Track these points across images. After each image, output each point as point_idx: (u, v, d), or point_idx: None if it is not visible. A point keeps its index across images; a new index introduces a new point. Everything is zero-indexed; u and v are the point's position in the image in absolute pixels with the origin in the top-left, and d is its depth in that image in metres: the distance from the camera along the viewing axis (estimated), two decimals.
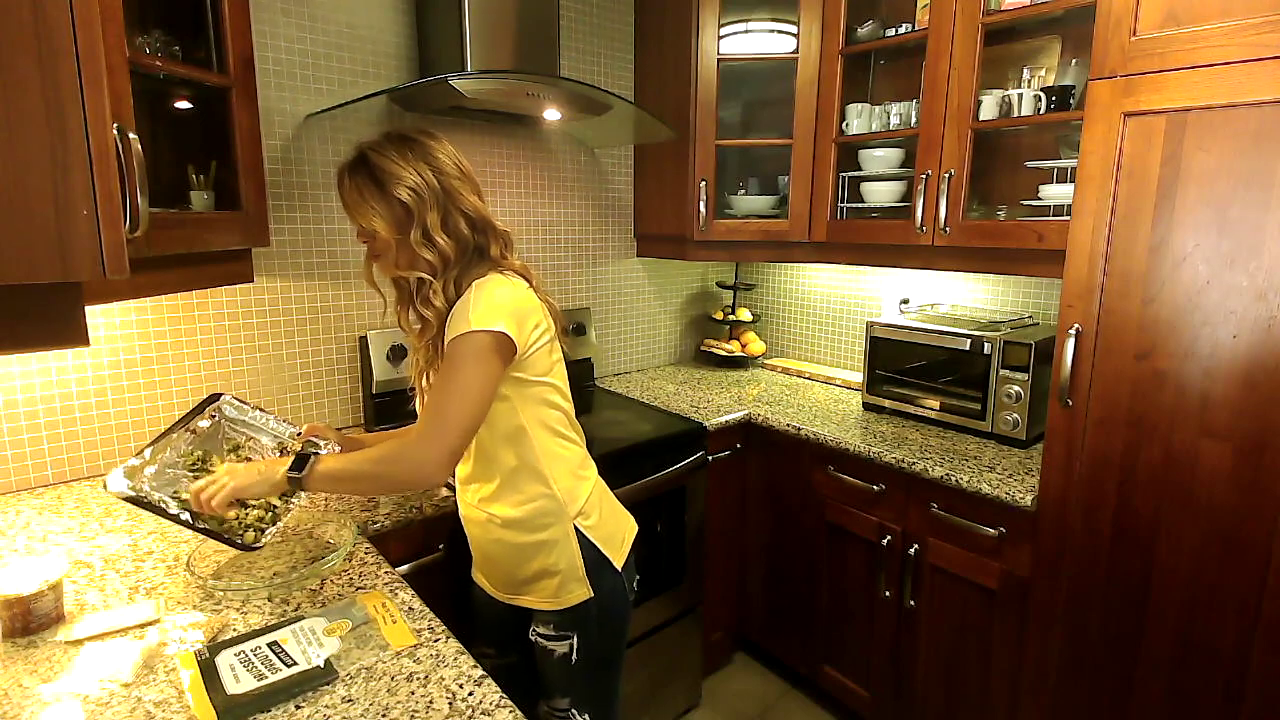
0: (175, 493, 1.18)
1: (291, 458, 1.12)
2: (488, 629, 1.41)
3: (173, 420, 1.33)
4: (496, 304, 1.11)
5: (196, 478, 1.20)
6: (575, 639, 1.26)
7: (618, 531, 1.32)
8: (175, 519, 1.14)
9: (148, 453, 1.20)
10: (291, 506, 1.22)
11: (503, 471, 1.22)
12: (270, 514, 1.19)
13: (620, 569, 1.29)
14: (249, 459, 1.28)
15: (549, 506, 1.22)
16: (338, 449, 1.30)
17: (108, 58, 0.82)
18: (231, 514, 1.16)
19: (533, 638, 1.29)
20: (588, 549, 1.25)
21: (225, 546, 1.16)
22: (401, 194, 1.12)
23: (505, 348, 1.11)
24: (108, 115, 0.79)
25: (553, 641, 1.27)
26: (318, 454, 1.13)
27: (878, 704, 1.99)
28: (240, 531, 1.16)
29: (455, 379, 1.09)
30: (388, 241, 1.16)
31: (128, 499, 1.13)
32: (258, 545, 1.14)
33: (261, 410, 1.34)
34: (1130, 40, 1.34)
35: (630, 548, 1.34)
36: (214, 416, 1.30)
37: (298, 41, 1.75)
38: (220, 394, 1.33)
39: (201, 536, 1.15)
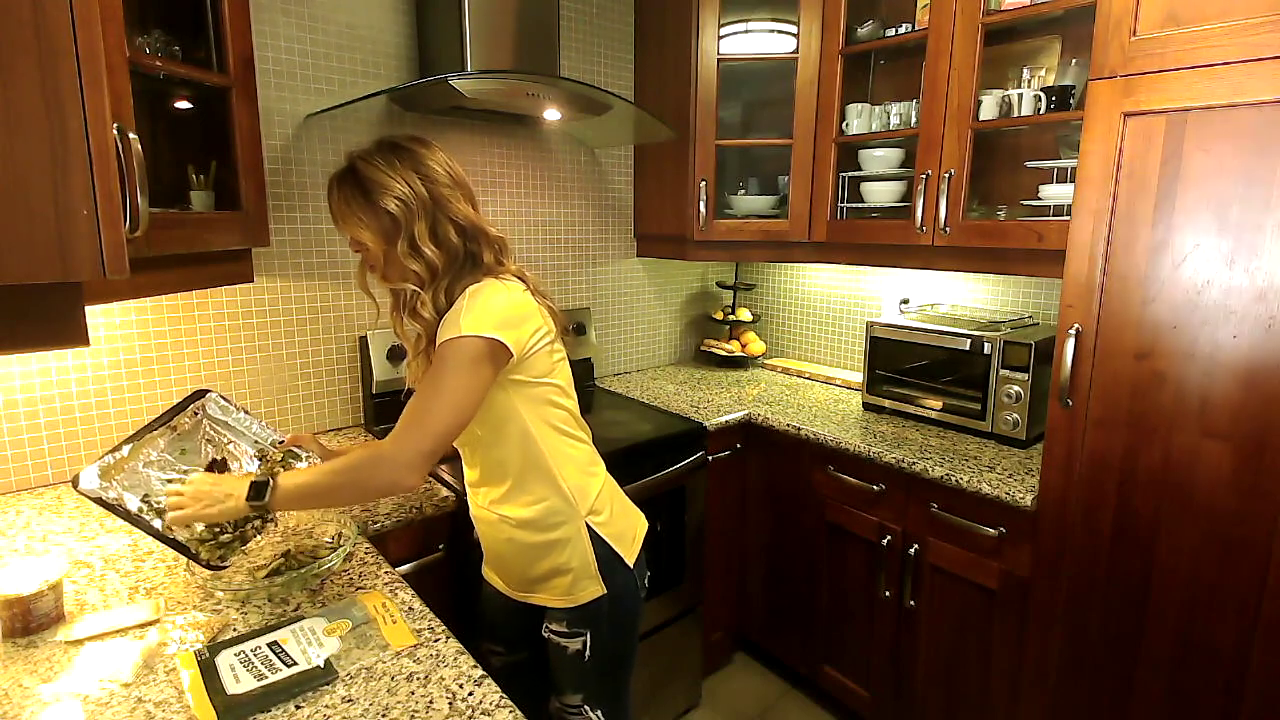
0: (146, 495, 1.15)
1: (249, 481, 1.08)
2: (498, 626, 1.41)
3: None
4: (489, 310, 1.10)
5: (170, 480, 1.18)
6: (588, 636, 1.26)
7: (629, 528, 1.33)
8: (146, 526, 1.11)
9: (126, 449, 1.16)
10: (262, 530, 1.20)
11: (512, 474, 1.21)
12: (239, 535, 1.17)
13: (632, 566, 1.30)
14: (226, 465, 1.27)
15: (560, 505, 1.22)
16: (318, 461, 1.29)
17: (108, 58, 0.82)
18: (200, 530, 1.15)
19: (545, 634, 1.30)
20: (600, 546, 1.25)
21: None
22: (389, 204, 1.11)
23: (498, 354, 1.11)
24: (108, 115, 0.79)
25: (565, 638, 1.27)
26: (274, 478, 1.10)
27: (878, 704, 1.99)
28: (201, 552, 1.12)
29: (440, 383, 1.08)
30: (376, 252, 1.15)
31: (95, 500, 1.09)
32: (223, 565, 1.12)
33: (246, 413, 1.32)
34: (1130, 40, 1.34)
35: (641, 544, 1.34)
36: (197, 414, 1.27)
37: (298, 41, 1.75)
38: (207, 390, 1.30)
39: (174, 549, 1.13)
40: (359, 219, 1.13)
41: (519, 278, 1.22)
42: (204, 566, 1.11)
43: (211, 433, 1.28)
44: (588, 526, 1.24)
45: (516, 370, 1.16)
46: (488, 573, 1.38)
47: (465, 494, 1.34)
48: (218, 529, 1.16)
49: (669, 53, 2.31)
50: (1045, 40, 1.93)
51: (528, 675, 1.39)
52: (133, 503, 1.13)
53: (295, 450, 1.30)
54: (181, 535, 1.13)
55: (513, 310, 1.14)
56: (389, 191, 1.11)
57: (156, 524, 1.12)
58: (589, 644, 1.26)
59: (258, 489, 1.08)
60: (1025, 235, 1.75)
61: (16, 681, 0.90)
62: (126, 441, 1.18)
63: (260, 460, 1.29)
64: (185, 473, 1.21)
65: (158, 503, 1.15)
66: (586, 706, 1.31)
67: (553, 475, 1.22)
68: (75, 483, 1.09)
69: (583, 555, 1.23)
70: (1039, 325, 2.01)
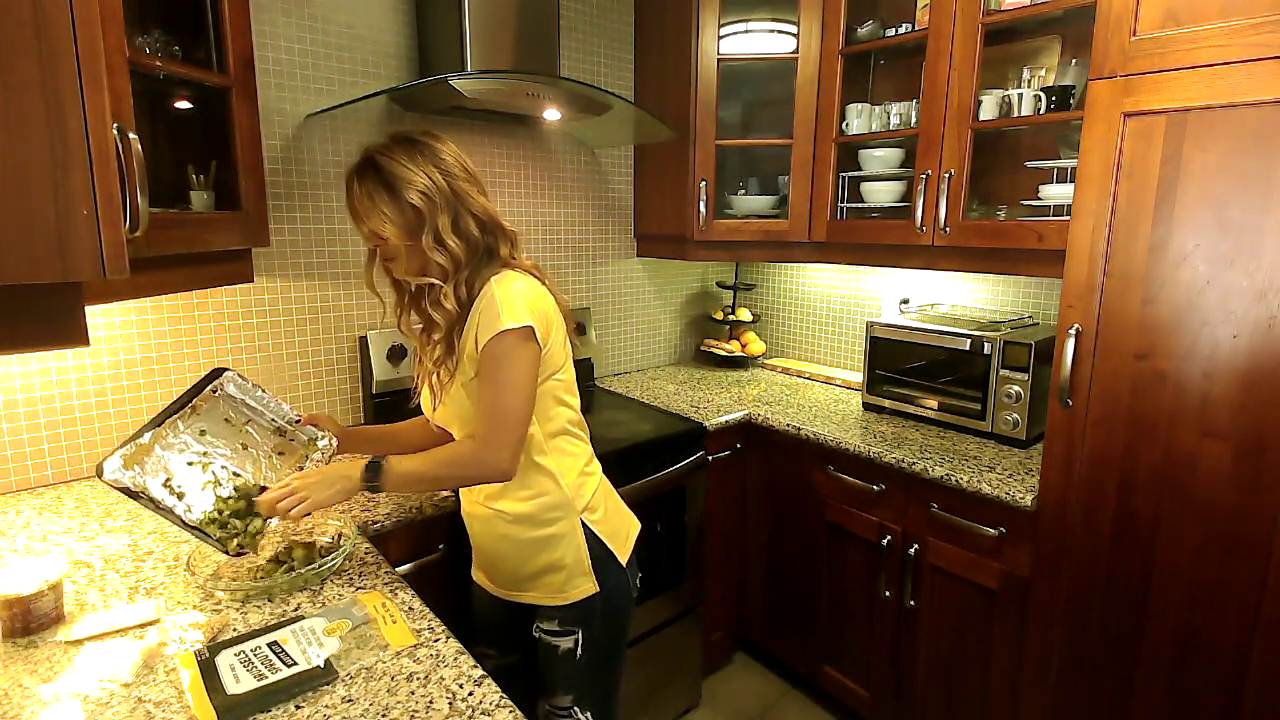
0: (167, 480, 1.16)
1: (363, 464, 1.13)
2: (488, 629, 1.41)
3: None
4: (521, 299, 1.13)
5: (191, 463, 1.20)
6: (580, 634, 1.26)
7: (622, 528, 1.33)
8: (169, 514, 1.12)
9: (146, 436, 1.17)
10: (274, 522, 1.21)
11: None
12: (263, 525, 1.18)
13: (625, 565, 1.30)
14: (245, 446, 1.28)
15: (557, 500, 1.23)
16: (335, 441, 1.32)
17: (108, 58, 0.82)
18: (239, 523, 1.16)
19: (536, 634, 1.29)
20: (594, 543, 1.25)
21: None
22: (413, 198, 1.12)
23: (535, 336, 1.14)
24: (108, 115, 0.79)
25: (557, 637, 1.27)
26: (385, 459, 1.14)
27: (878, 704, 1.99)
28: (226, 540, 1.14)
29: (501, 377, 1.11)
30: (398, 246, 1.16)
31: (121, 489, 1.10)
32: (242, 553, 1.14)
33: (264, 390, 1.33)
34: (1130, 40, 1.34)
35: (633, 547, 1.34)
36: (215, 393, 1.28)
37: (298, 41, 1.75)
38: (224, 369, 1.31)
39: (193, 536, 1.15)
40: (383, 213, 1.13)
41: (535, 274, 1.22)
42: (227, 553, 1.13)
43: (230, 412, 1.28)
44: (582, 523, 1.24)
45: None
46: (476, 574, 1.38)
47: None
48: (252, 518, 1.17)
49: (669, 53, 2.31)
50: (1045, 40, 1.93)
51: (521, 678, 1.38)
52: (155, 487, 1.14)
53: (313, 428, 1.31)
54: (211, 529, 1.14)
55: (538, 301, 1.16)
56: (413, 185, 1.12)
57: (179, 509, 1.14)
58: (581, 642, 1.26)
59: (372, 469, 1.13)
60: (1025, 235, 1.75)
61: (16, 681, 0.90)
62: (146, 428, 1.18)
63: (280, 437, 1.30)
64: (205, 454, 1.22)
65: (178, 487, 1.16)
66: (576, 708, 1.30)
67: (551, 472, 1.22)
68: (100, 472, 1.10)
69: (576, 551, 1.24)
70: (1039, 325, 2.01)
